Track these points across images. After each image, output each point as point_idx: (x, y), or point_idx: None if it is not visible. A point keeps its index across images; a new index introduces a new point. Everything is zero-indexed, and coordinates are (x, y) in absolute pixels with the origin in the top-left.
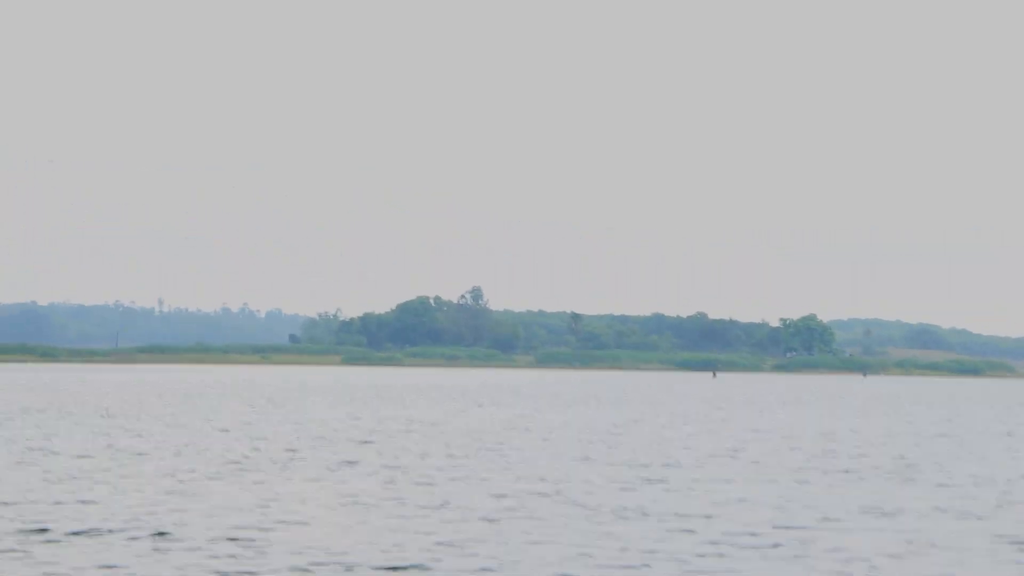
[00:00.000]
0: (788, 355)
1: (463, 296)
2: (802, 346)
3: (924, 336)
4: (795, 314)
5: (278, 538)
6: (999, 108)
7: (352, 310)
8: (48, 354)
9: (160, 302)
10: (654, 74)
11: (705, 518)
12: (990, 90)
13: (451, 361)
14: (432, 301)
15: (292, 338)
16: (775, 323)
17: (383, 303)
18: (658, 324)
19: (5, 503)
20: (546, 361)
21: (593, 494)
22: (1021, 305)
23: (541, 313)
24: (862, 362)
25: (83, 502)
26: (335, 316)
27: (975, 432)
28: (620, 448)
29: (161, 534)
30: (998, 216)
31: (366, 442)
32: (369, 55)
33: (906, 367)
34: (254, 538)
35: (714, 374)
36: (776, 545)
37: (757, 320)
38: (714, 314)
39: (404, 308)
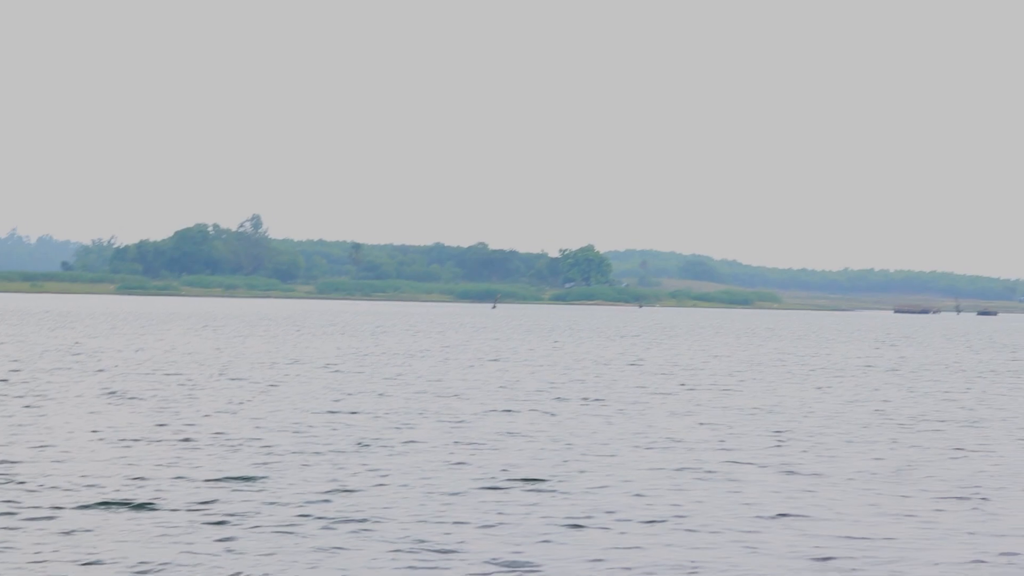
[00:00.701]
0: (566, 285)
1: (242, 224)
2: (580, 276)
3: (697, 267)
4: (574, 244)
5: (29, 471)
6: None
7: (128, 237)
8: None
9: None
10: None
11: (482, 451)
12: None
13: (229, 290)
14: (211, 229)
15: (64, 265)
16: (554, 253)
17: (160, 230)
18: (439, 254)
19: None
20: (326, 291)
21: (369, 427)
22: (789, 237)
23: (322, 242)
24: (637, 293)
25: None
26: (110, 243)
27: (755, 363)
28: (398, 380)
29: None
30: (767, 149)
31: (135, 372)
32: None
33: (679, 298)
34: (7, 471)
35: (494, 305)
36: (552, 478)
37: (536, 250)
38: (495, 244)
39: (181, 236)
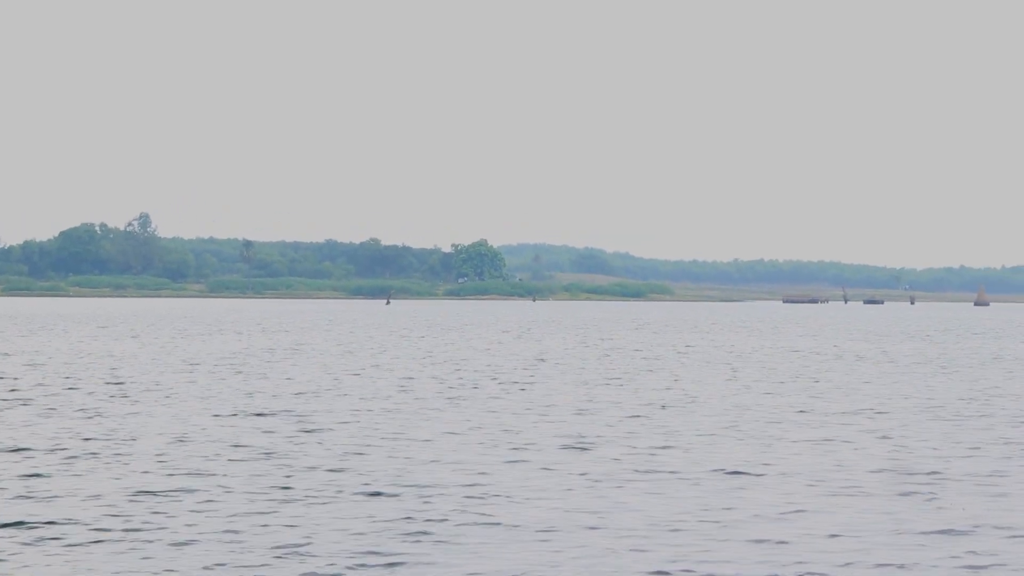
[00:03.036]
0: (460, 280)
1: (130, 223)
2: (474, 271)
3: (590, 260)
4: (466, 240)
5: None
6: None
7: (11, 237)
8: None
9: None
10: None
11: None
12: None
13: (118, 291)
14: (98, 228)
15: None
16: (447, 249)
17: (45, 230)
18: (331, 251)
19: None
20: (217, 289)
21: (259, 431)
22: (680, 229)
23: (212, 240)
24: (531, 287)
25: None
26: None
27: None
28: (278, 380)
29: None
30: (656, 142)
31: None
32: None
33: (573, 291)
34: None
35: (388, 301)
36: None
37: (429, 246)
38: (387, 240)
39: (67, 236)
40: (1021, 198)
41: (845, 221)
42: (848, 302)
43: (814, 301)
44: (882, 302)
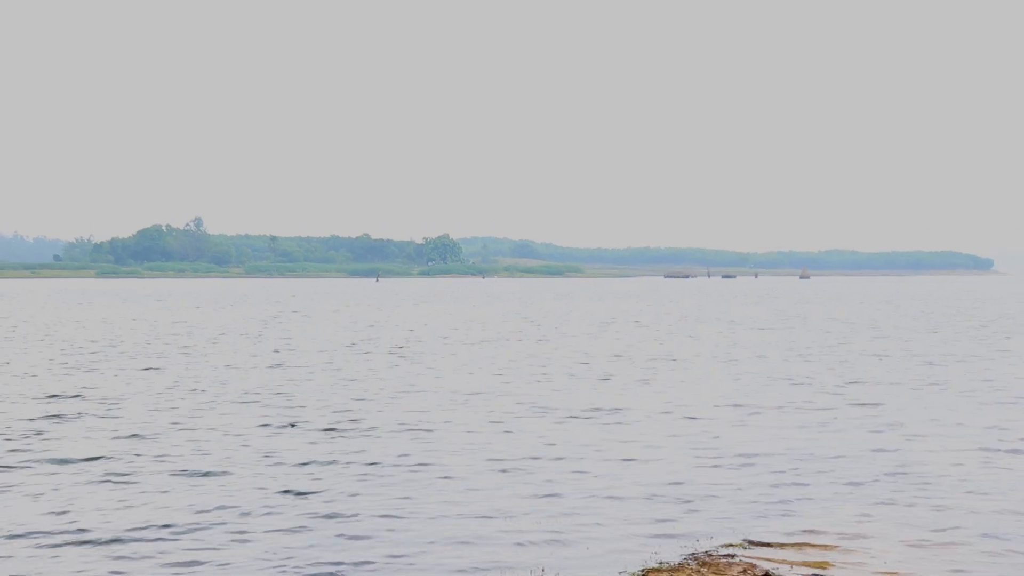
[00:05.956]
0: (429, 264)
1: (188, 224)
2: (439, 257)
3: (524, 248)
4: (433, 233)
5: None
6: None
7: (102, 235)
8: None
9: None
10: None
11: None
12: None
13: (180, 273)
14: (164, 228)
15: (55, 258)
16: (420, 241)
17: (126, 229)
18: (335, 243)
19: None
20: (252, 272)
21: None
22: (588, 224)
23: (247, 236)
24: (481, 268)
25: None
26: (89, 240)
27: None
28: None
29: None
30: (579, 159)
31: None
32: None
33: (512, 271)
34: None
35: (377, 279)
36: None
37: (406, 239)
38: (376, 235)
39: (142, 234)
40: (832, 196)
41: (707, 217)
42: (710, 277)
43: (686, 277)
44: (735, 277)
